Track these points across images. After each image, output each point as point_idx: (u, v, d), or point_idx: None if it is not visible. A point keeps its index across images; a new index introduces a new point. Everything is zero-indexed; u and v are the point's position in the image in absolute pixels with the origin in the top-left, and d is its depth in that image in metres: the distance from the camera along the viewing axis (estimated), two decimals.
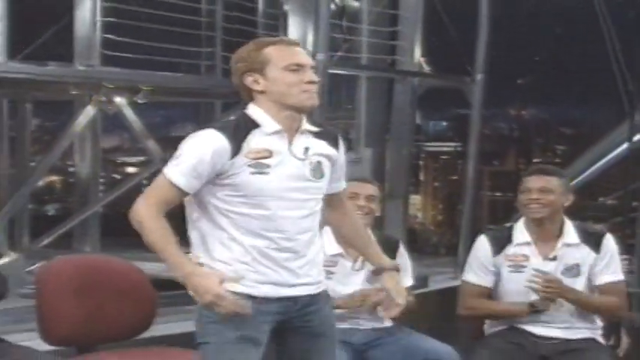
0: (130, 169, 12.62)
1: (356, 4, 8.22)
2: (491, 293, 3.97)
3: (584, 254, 3.90)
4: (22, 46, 7.37)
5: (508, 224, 4.09)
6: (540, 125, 13.90)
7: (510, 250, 3.94)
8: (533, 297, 3.85)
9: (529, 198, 3.88)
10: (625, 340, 4.26)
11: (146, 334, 3.89)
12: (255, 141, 2.87)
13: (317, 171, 2.96)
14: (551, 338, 3.87)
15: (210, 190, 2.87)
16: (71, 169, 8.38)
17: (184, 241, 2.93)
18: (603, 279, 3.92)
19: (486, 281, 3.95)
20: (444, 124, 14.14)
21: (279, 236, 2.88)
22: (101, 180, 10.36)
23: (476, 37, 8.22)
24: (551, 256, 3.90)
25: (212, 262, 2.87)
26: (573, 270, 3.90)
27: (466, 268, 4.04)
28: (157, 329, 3.89)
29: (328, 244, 3.71)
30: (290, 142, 2.91)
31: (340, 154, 3.07)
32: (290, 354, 3.02)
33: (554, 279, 3.82)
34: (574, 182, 8.73)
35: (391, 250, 3.79)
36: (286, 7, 7.69)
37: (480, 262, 3.96)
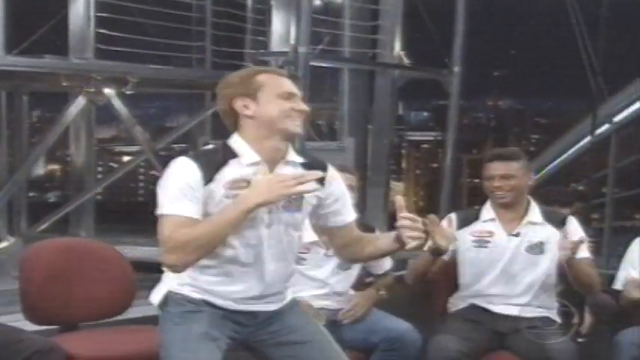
0: (127, 158, 12.58)
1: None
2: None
3: (549, 233, 3.85)
4: (20, 41, 7.32)
5: (477, 207, 4.05)
6: (516, 115, 13.94)
7: (477, 226, 3.90)
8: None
9: (493, 185, 3.84)
10: (588, 319, 4.22)
11: (130, 315, 3.85)
12: (230, 171, 2.77)
13: (295, 202, 2.85)
14: (508, 316, 3.82)
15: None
16: (69, 159, 8.33)
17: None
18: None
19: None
20: (425, 114, 14.14)
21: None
22: (99, 169, 10.37)
23: (453, 31, 8.18)
24: (514, 232, 3.86)
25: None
26: (537, 248, 3.85)
27: None
28: (142, 310, 3.84)
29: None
30: (271, 172, 2.80)
31: (333, 186, 2.94)
32: None
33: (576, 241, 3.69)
34: (547, 169, 8.79)
35: None
36: (272, 2, 7.62)
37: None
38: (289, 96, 2.83)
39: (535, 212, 3.89)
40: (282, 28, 7.24)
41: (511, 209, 3.87)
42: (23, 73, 6.38)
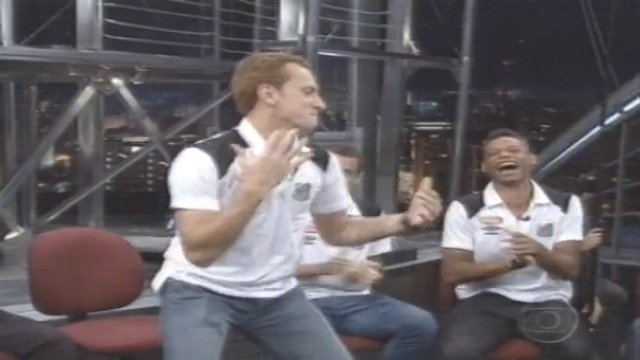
0: (135, 149, 12.59)
1: None
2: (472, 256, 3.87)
3: (555, 214, 3.83)
4: (28, 31, 7.31)
5: (476, 192, 4.02)
6: (525, 105, 13.88)
7: (485, 212, 3.85)
8: (508, 257, 3.76)
9: (500, 157, 3.79)
10: (598, 309, 4.20)
11: (139, 305, 3.85)
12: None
13: (302, 192, 2.86)
14: (524, 303, 3.80)
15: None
16: (78, 149, 8.33)
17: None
18: (561, 237, 3.84)
19: (468, 244, 3.85)
20: (434, 104, 14.11)
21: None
22: (108, 159, 10.36)
23: (463, 20, 8.14)
24: (524, 216, 3.82)
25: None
26: (546, 230, 3.83)
27: (445, 237, 3.94)
28: (150, 300, 3.84)
29: None
30: None
31: (331, 174, 2.96)
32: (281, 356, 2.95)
33: (522, 235, 3.71)
34: (556, 159, 8.75)
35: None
36: None
37: (460, 226, 3.86)
38: (311, 91, 2.84)
39: (541, 194, 3.86)
40: (290, 18, 7.20)
41: (516, 190, 3.81)
42: (31, 64, 6.36)
